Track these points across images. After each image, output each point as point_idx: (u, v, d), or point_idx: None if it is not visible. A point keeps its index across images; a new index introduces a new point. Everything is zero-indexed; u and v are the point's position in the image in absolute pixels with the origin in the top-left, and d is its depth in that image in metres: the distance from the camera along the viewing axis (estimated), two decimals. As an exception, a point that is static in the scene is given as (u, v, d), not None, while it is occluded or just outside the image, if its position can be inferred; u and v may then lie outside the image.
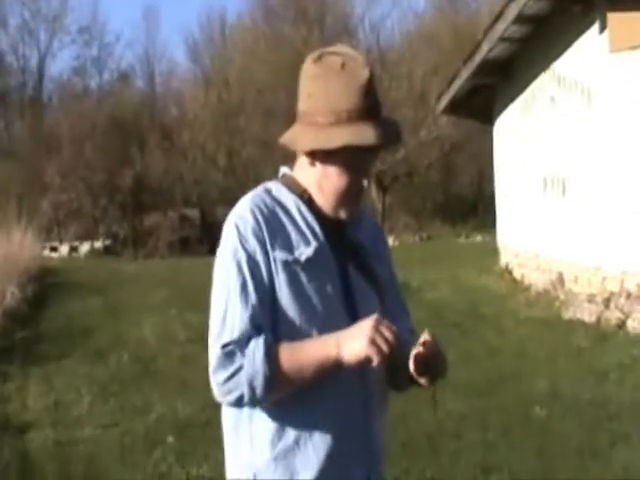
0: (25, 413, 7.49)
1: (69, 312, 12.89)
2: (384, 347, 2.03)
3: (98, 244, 30.82)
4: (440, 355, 2.18)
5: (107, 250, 30.45)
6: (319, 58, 2.23)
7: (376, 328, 2.04)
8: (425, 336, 2.16)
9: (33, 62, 43.52)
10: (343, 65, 2.19)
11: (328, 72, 2.20)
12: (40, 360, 9.46)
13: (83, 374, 8.78)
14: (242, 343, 2.09)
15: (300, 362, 2.11)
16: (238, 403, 2.15)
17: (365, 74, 2.19)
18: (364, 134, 2.14)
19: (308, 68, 2.24)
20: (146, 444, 6.47)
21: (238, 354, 2.09)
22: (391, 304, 2.39)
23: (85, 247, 30.10)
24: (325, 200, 2.25)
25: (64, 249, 29.73)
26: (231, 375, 2.09)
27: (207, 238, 28.33)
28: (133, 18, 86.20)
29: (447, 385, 7.02)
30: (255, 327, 2.11)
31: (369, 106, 2.17)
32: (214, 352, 2.12)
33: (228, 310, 2.14)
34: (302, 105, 2.24)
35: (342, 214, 2.26)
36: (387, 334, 2.04)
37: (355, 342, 2.06)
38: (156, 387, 8.16)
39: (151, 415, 7.18)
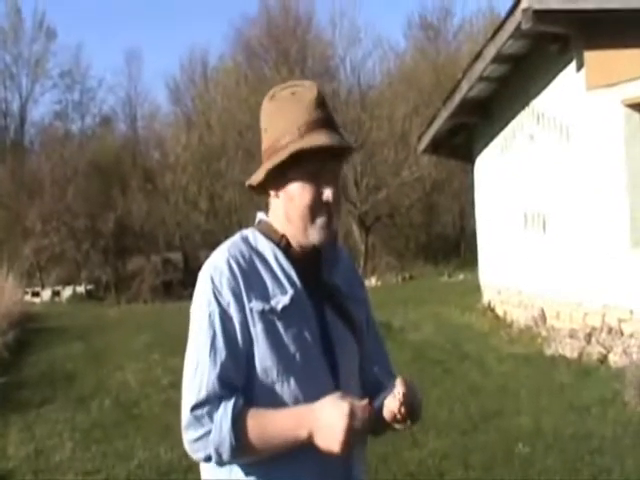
0: (5, 461, 7.40)
1: (51, 358, 12.80)
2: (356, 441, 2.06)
3: (80, 289, 30.61)
4: (415, 401, 2.17)
5: (90, 295, 30.24)
6: (273, 96, 2.30)
7: (349, 429, 2.02)
8: (398, 388, 2.13)
9: (15, 106, 43.59)
10: (293, 93, 2.25)
11: (281, 103, 2.25)
12: (21, 407, 9.38)
13: (65, 420, 8.70)
14: (212, 404, 2.08)
15: (269, 435, 2.09)
16: (207, 461, 2.15)
17: (313, 92, 2.24)
18: (315, 139, 2.16)
19: (265, 107, 2.31)
20: (128, 490, 6.45)
21: (206, 418, 2.08)
22: (369, 345, 2.40)
23: (67, 292, 29.89)
24: (295, 228, 2.23)
25: (46, 294, 29.53)
26: (199, 437, 2.09)
27: (190, 281, 28.16)
28: (115, 62, 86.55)
29: (430, 424, 7.09)
30: (224, 386, 2.10)
31: (319, 118, 2.21)
32: (184, 412, 2.12)
33: (198, 367, 2.13)
34: (263, 144, 2.28)
35: (314, 238, 2.22)
36: (358, 425, 2.04)
37: (328, 439, 2.05)
38: (138, 432, 8.09)
39: (133, 461, 7.12)
